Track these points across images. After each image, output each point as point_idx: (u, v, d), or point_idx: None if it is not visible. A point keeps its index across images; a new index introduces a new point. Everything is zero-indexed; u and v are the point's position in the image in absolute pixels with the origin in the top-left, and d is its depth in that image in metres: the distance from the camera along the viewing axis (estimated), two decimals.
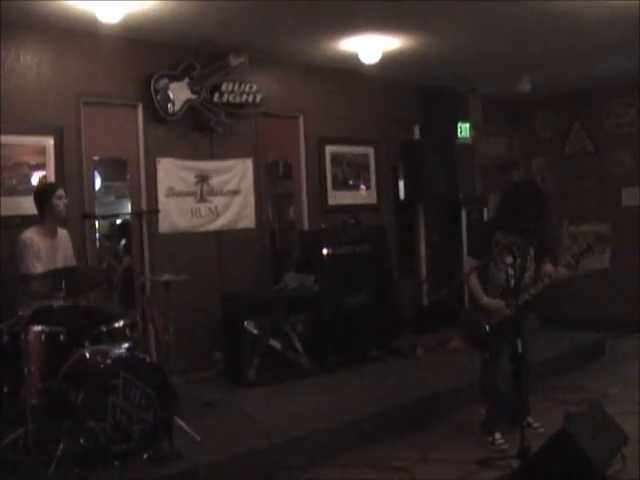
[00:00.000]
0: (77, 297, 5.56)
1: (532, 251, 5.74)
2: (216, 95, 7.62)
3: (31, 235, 5.77)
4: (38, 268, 5.62)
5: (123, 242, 7.48)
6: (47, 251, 5.82)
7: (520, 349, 5.15)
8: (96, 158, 7.22)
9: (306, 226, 8.76)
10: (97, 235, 7.19)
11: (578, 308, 10.18)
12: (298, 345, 7.47)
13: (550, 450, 4.75)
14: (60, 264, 5.86)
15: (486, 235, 5.89)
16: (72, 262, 6.10)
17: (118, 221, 7.52)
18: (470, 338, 5.90)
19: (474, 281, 5.77)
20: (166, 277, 5.92)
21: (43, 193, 5.96)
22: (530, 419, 5.89)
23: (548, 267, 5.77)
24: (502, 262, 5.62)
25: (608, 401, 6.21)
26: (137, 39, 7.11)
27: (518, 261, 5.52)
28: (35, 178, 6.55)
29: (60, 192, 5.95)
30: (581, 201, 10.92)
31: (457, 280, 5.86)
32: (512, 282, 5.48)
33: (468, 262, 5.94)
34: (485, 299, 5.68)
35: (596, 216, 10.65)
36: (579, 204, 10.90)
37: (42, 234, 5.84)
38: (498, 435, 5.77)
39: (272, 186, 8.68)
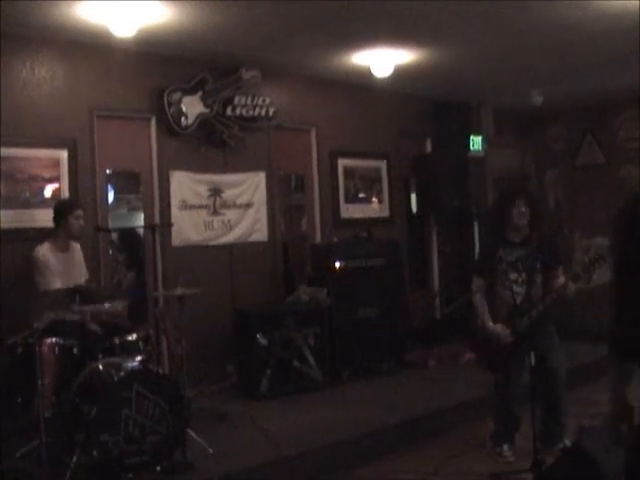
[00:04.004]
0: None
1: (538, 264, 5.53)
2: (229, 108, 7.65)
3: (44, 251, 5.80)
4: (55, 283, 5.65)
5: (125, 256, 7.49)
6: (61, 265, 5.85)
7: (534, 362, 5.13)
8: (109, 171, 7.27)
9: (318, 239, 8.76)
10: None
11: (591, 321, 10.12)
12: (310, 358, 7.46)
13: (563, 464, 4.72)
14: (75, 277, 5.88)
15: (488, 253, 5.76)
16: (85, 275, 6.12)
17: (117, 234, 7.54)
18: (483, 358, 5.77)
19: (479, 302, 5.64)
20: (179, 291, 5.94)
21: (62, 208, 5.98)
22: (567, 441, 5.55)
23: (559, 280, 5.52)
24: (507, 280, 5.48)
25: None
26: (150, 53, 7.15)
27: (523, 276, 5.46)
28: (49, 191, 6.59)
29: (79, 212, 5.97)
30: (593, 213, 10.88)
31: (468, 294, 5.75)
32: (518, 300, 5.40)
33: (475, 282, 5.77)
34: (490, 325, 5.55)
35: (608, 228, 10.60)
36: (591, 216, 10.86)
37: (55, 248, 5.87)
38: (506, 447, 5.76)
39: (285, 199, 8.71)
